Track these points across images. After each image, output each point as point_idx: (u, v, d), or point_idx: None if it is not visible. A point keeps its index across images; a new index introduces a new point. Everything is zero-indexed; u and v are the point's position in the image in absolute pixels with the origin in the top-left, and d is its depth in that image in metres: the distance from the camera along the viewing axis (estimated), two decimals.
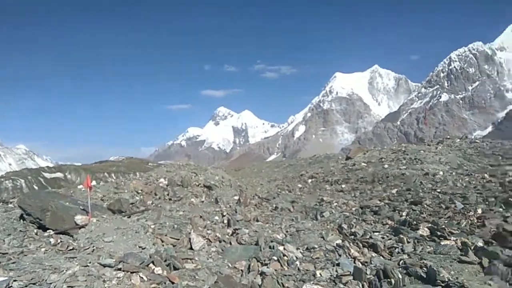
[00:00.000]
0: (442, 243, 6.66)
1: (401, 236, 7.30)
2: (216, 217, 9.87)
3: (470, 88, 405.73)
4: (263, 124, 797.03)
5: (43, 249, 6.30)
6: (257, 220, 9.90)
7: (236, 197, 13.70)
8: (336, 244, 7.24)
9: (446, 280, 4.94)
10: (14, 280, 4.53)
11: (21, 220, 8.21)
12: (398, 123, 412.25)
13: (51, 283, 4.63)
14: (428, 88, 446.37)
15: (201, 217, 9.56)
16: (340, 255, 6.58)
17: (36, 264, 5.25)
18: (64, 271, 4.99)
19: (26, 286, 4.46)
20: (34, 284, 4.55)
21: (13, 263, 5.34)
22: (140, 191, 13.58)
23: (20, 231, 7.51)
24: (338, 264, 6.07)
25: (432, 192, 12.61)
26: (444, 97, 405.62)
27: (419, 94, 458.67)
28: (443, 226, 7.76)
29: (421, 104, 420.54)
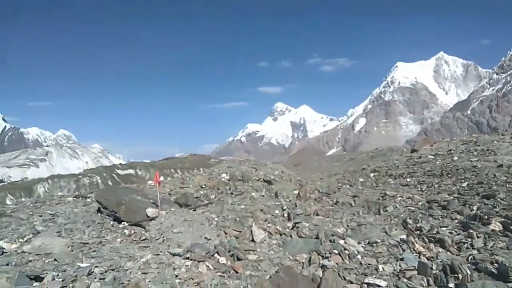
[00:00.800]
0: None
1: (471, 231, 6.89)
2: (277, 211, 10.04)
3: None
4: (322, 118, 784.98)
5: (119, 239, 6.91)
6: (317, 214, 9.90)
7: (296, 192, 13.76)
8: (400, 239, 7.05)
9: None
10: (96, 266, 5.08)
11: (99, 213, 9.02)
12: (469, 112, 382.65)
13: (127, 270, 5.12)
14: (501, 74, 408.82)
15: (261, 210, 9.79)
16: (404, 250, 6.41)
17: (114, 252, 5.81)
18: (138, 259, 5.49)
19: (105, 271, 4.98)
20: (112, 270, 5.06)
21: (94, 251, 5.97)
22: (204, 186, 14.19)
23: (98, 223, 8.26)
24: (401, 259, 5.92)
25: (507, 185, 11.70)
26: None
27: (491, 81, 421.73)
28: None
29: (493, 91, 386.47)
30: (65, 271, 4.90)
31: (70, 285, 4.44)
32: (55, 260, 5.38)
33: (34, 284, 4.44)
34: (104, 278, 4.69)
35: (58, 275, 4.74)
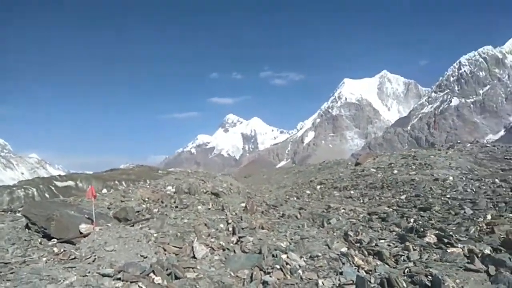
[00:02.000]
0: (448, 250, 6.47)
1: (407, 243, 7.13)
2: (221, 225, 9.79)
3: (481, 92, 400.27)
4: (272, 130, 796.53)
5: (44, 259, 6.31)
6: (263, 228, 9.79)
7: (243, 204, 13.62)
8: (341, 252, 7.11)
9: None
10: None
11: (27, 230, 8.26)
12: (409, 128, 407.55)
13: None
14: (439, 93, 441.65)
15: (205, 225, 9.50)
16: (343, 263, 6.45)
17: (34, 274, 5.24)
18: (62, 281, 4.98)
19: None
20: None
21: (12, 273, 5.35)
22: (147, 199, 13.61)
23: (25, 240, 7.56)
24: (341, 273, 5.93)
25: (442, 198, 12.41)
26: (455, 101, 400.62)
27: (429, 99, 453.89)
28: (451, 233, 7.58)
29: (431, 108, 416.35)
30: None
31: None
32: None
33: None
34: None
35: None
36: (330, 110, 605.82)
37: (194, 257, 7.13)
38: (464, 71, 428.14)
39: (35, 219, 8.36)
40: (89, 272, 5.47)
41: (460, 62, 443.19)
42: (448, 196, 12.69)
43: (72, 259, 6.37)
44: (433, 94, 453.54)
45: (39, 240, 7.72)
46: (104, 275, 5.36)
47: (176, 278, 5.87)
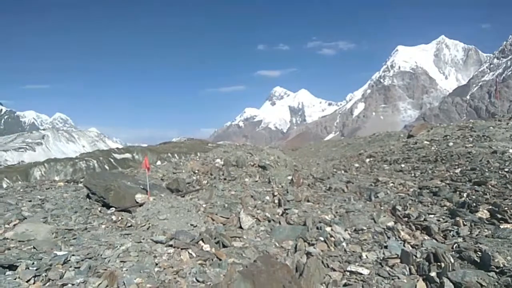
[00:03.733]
0: (501, 226, 6.16)
1: (458, 218, 6.87)
2: (267, 197, 10.00)
3: None
4: (320, 103, 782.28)
5: (103, 226, 6.86)
6: (308, 201, 9.88)
7: (290, 177, 13.74)
8: (386, 226, 7.03)
9: (501, 265, 4.61)
10: (72, 255, 5.01)
11: (88, 199, 8.96)
12: (468, 97, 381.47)
13: (105, 258, 5.06)
14: (501, 59, 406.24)
15: (252, 196, 9.75)
16: (389, 238, 6.40)
17: (94, 240, 5.76)
18: (118, 247, 5.43)
19: (82, 260, 4.91)
20: (90, 258, 4.99)
21: (74, 238, 5.91)
22: (196, 171, 14.14)
23: (86, 208, 8.21)
24: (386, 247, 5.91)
25: (499, 172, 11.66)
26: None
27: (491, 66, 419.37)
28: (506, 208, 7.18)
29: (493, 76, 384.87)
30: (40, 259, 4.83)
31: (44, 274, 4.37)
32: (34, 248, 5.32)
33: (7, 273, 4.37)
34: (79, 267, 4.63)
35: (33, 263, 4.67)
36: (381, 80, 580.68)
37: (240, 227, 7.40)
38: None
39: (95, 189, 9.01)
40: (143, 238, 5.91)
41: None
42: (506, 169, 11.89)
43: (129, 226, 6.88)
44: (495, 61, 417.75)
45: (99, 209, 8.33)
46: (157, 242, 5.77)
47: (224, 246, 6.17)
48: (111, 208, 8.29)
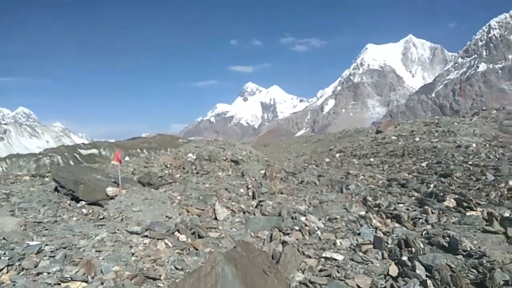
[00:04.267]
0: (467, 214, 6.51)
1: (426, 207, 7.18)
2: (241, 190, 10.04)
3: (510, 57, 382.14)
4: (292, 99, 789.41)
5: (74, 218, 6.68)
6: (282, 193, 10.00)
7: (263, 172, 13.83)
8: (359, 215, 7.25)
9: (468, 249, 4.88)
10: (46, 245, 4.89)
11: (56, 192, 8.68)
12: (433, 95, 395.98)
13: (80, 248, 4.96)
14: (466, 58, 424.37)
15: (226, 189, 9.76)
16: (361, 225, 6.60)
17: (67, 230, 5.61)
18: (93, 237, 5.32)
19: (56, 249, 4.79)
20: (64, 248, 4.88)
21: (46, 229, 5.74)
22: (169, 165, 13.98)
23: (55, 202, 7.95)
24: (359, 234, 6.10)
25: (463, 165, 12.24)
26: (482, 67, 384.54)
27: (456, 65, 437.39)
28: (471, 198, 7.57)
29: (457, 74, 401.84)
30: (13, 249, 4.68)
31: (17, 263, 4.25)
32: (4, 238, 5.12)
33: None
34: (54, 256, 4.52)
35: (4, 253, 4.52)
36: (351, 77, 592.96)
37: (215, 218, 7.41)
38: (494, 34, 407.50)
39: (63, 183, 8.74)
40: (118, 229, 5.80)
41: (489, 25, 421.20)
42: (470, 162, 12.50)
43: (101, 218, 6.73)
44: (460, 60, 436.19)
45: (68, 202, 8.09)
46: (132, 233, 5.68)
47: (200, 237, 6.16)
48: (80, 202, 8.07)
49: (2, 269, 4.08)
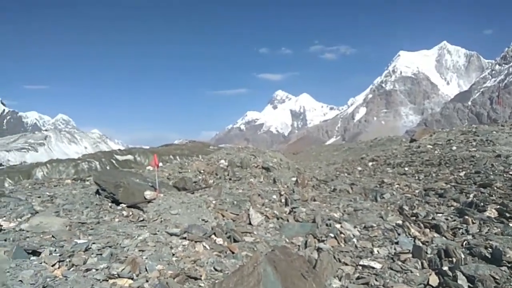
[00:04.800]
0: (510, 224, 6.26)
1: (466, 217, 6.96)
2: (274, 196, 10.10)
3: None
4: (322, 107, 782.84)
5: (116, 220, 6.96)
6: (315, 200, 9.98)
7: (294, 179, 13.83)
8: (396, 223, 7.13)
9: None
10: (93, 243, 5.15)
11: (97, 195, 9.05)
12: (469, 103, 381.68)
13: (124, 247, 5.19)
14: (503, 65, 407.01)
15: (259, 195, 9.85)
16: (399, 234, 6.49)
17: (111, 230, 5.88)
18: (136, 237, 5.55)
19: (103, 248, 5.05)
20: (110, 246, 5.12)
21: (91, 229, 6.03)
22: (202, 171, 14.24)
23: (96, 204, 8.30)
24: (397, 243, 6.00)
25: (504, 175, 11.73)
26: None
27: (493, 72, 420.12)
28: None
29: (495, 82, 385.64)
30: (62, 246, 4.96)
31: (67, 260, 4.50)
32: (53, 237, 5.43)
33: (32, 258, 4.50)
34: (101, 254, 4.76)
35: (55, 250, 4.80)
36: (383, 85, 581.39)
37: (250, 223, 7.51)
38: None
39: (104, 186, 9.11)
40: (158, 231, 6.01)
41: None
42: (511, 173, 11.97)
43: (141, 220, 6.98)
44: (497, 67, 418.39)
45: (109, 204, 8.41)
46: (171, 234, 5.88)
47: (235, 241, 6.27)
48: (120, 204, 8.38)
49: (54, 264, 4.34)
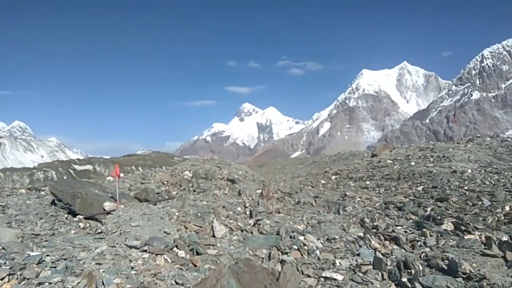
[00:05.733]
0: (466, 237, 6.56)
1: (424, 230, 7.22)
2: (239, 208, 10.03)
3: (503, 86, 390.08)
4: (288, 120, 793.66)
5: (73, 231, 6.63)
6: (279, 212, 10.00)
7: (259, 191, 13.82)
8: (357, 235, 7.26)
9: (468, 272, 4.90)
10: (47, 255, 4.85)
11: (53, 206, 8.62)
12: (427, 121, 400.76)
13: (80, 260, 4.92)
14: (459, 86, 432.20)
15: (223, 207, 9.74)
16: (360, 246, 6.61)
17: (67, 242, 5.58)
18: (93, 249, 5.28)
19: (57, 260, 4.76)
20: (65, 259, 4.84)
21: (46, 241, 5.71)
22: (165, 182, 13.93)
23: (52, 215, 7.90)
24: (358, 254, 6.11)
25: (459, 190, 12.33)
26: (476, 95, 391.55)
27: (450, 92, 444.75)
28: (468, 222, 7.63)
29: (451, 102, 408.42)
30: (13, 259, 4.65)
31: (18, 273, 4.22)
32: (3, 248, 5.09)
33: None
34: (55, 267, 4.50)
35: (5, 262, 4.50)
36: (347, 101, 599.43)
37: (213, 236, 7.38)
38: (487, 64, 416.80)
39: (61, 196, 8.68)
40: (117, 243, 5.77)
41: (482, 55, 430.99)
42: (466, 188, 12.59)
43: (99, 232, 6.68)
44: (454, 87, 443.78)
45: (65, 215, 8.04)
46: (131, 247, 5.65)
47: (198, 253, 6.12)
48: (77, 216, 8.01)
49: (4, 278, 4.06)
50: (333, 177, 22.77)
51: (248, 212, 9.68)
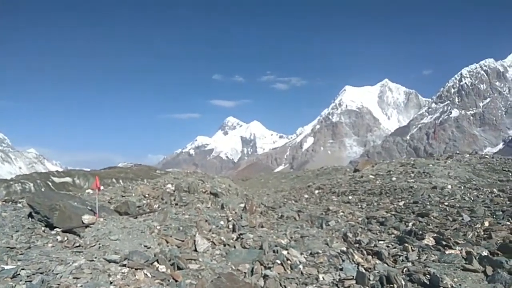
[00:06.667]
0: (447, 252, 6.64)
1: (406, 245, 7.29)
2: (222, 222, 9.91)
3: (481, 104, 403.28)
4: (272, 135, 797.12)
5: (50, 245, 6.42)
6: (262, 227, 9.91)
7: (242, 205, 13.71)
8: (340, 250, 7.25)
9: (449, 286, 4.94)
10: (22, 269, 4.66)
11: (29, 218, 8.34)
12: (408, 137, 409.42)
13: (57, 274, 4.74)
14: (439, 104, 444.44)
15: (206, 221, 9.61)
16: (343, 261, 6.60)
17: (43, 256, 5.38)
18: (70, 263, 5.10)
19: (33, 274, 4.59)
20: (41, 273, 4.66)
21: (21, 254, 5.50)
22: (147, 195, 13.69)
23: (28, 228, 7.63)
24: (341, 269, 6.09)
25: (440, 205, 12.54)
26: (455, 112, 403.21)
27: (430, 109, 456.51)
28: (449, 237, 7.74)
29: (431, 119, 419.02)
30: None
31: None
32: None
33: None
34: (31, 281, 4.33)
35: None
36: (330, 117, 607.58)
37: (195, 250, 7.24)
38: (465, 83, 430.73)
39: (38, 208, 8.41)
40: (95, 257, 5.59)
41: (461, 74, 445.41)
42: (446, 203, 12.82)
43: (77, 246, 6.48)
44: (434, 105, 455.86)
45: (42, 228, 7.78)
46: (110, 261, 5.48)
47: (179, 268, 5.98)
48: (55, 229, 7.76)
49: None
50: (316, 191, 22.86)
51: (231, 226, 9.57)
